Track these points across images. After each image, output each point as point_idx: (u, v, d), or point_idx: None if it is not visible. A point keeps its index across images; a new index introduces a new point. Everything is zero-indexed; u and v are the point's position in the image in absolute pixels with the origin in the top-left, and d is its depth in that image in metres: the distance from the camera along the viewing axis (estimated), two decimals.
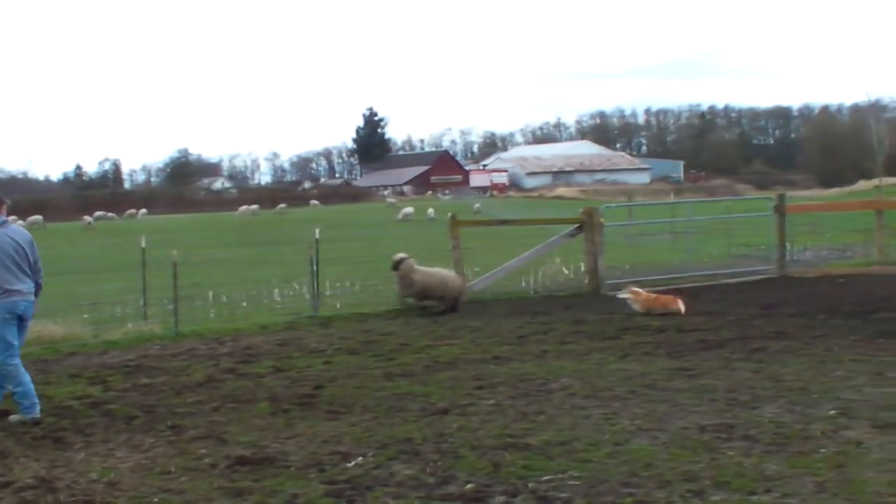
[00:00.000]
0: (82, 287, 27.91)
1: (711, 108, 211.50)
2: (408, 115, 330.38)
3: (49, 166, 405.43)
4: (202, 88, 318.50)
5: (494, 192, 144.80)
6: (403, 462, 9.85)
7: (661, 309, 20.21)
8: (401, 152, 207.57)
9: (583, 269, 26.30)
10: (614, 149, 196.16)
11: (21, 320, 12.65)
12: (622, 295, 20.89)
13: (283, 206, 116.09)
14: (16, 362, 12.51)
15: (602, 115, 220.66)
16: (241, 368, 15.82)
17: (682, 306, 20.24)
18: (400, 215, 77.56)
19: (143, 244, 22.24)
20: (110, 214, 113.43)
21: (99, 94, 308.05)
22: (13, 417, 12.41)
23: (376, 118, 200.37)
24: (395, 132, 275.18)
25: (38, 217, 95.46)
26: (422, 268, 22.33)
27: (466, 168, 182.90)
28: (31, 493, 9.21)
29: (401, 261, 22.26)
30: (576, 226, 26.09)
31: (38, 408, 12.50)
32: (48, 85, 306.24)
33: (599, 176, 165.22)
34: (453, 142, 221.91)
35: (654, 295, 20.96)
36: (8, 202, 13.05)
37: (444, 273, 22.75)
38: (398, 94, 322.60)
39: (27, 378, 12.58)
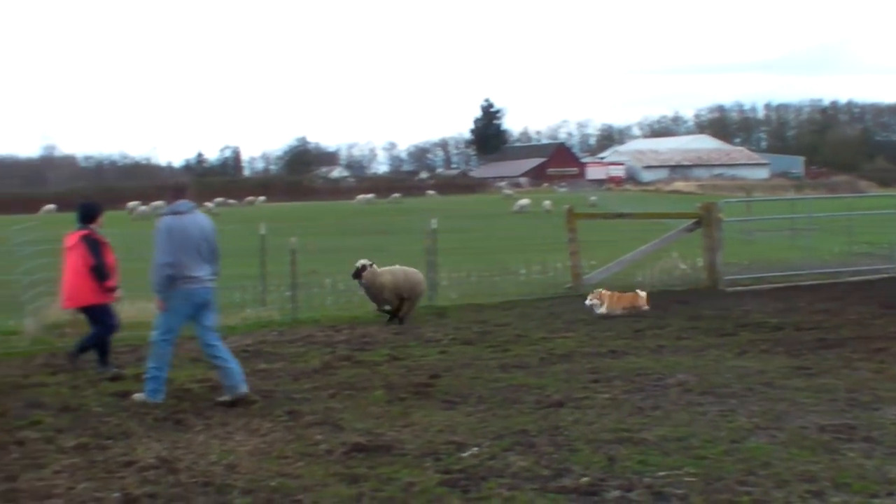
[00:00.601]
0: None
1: (834, 104, 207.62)
2: (525, 107, 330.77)
3: (172, 153, 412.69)
4: (322, 77, 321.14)
5: (611, 186, 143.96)
6: (518, 453, 9.85)
7: (626, 306, 20.29)
8: (517, 144, 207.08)
9: (700, 264, 26.01)
10: (733, 143, 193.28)
11: (200, 307, 12.88)
12: (588, 302, 20.57)
13: (396, 195, 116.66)
14: (168, 347, 12.81)
15: (721, 109, 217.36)
16: (358, 356, 15.96)
17: (643, 302, 20.51)
18: (515, 207, 77.47)
19: (263, 231, 22.50)
20: (230, 201, 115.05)
21: (222, 83, 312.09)
22: (136, 396, 12.73)
23: (493, 109, 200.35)
24: (512, 124, 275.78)
25: (159, 202, 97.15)
26: (384, 269, 20.54)
27: (583, 161, 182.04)
28: (153, 473, 9.40)
29: (363, 268, 20.26)
30: (694, 221, 25.81)
31: (161, 395, 12.73)
32: (173, 73, 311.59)
33: (717, 171, 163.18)
34: (570, 134, 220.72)
35: (616, 294, 20.81)
36: (190, 187, 13.37)
37: (407, 270, 20.75)
38: (516, 85, 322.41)
39: (166, 363, 12.86)
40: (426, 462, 9.63)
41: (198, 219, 12.97)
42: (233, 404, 12.42)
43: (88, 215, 15.61)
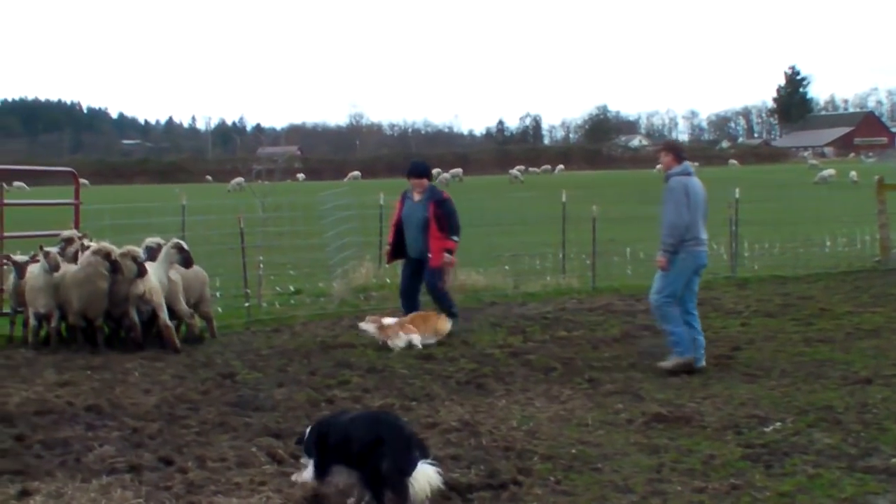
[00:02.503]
0: (502, 239, 28.63)
1: None
2: (832, 74, 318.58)
3: (473, 121, 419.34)
4: (623, 45, 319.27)
5: None
6: (823, 430, 9.59)
7: (430, 334, 15.00)
8: (822, 112, 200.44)
9: None
10: None
11: (697, 270, 13.05)
12: (363, 326, 14.96)
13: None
14: (672, 308, 12.77)
15: None
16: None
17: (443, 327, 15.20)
18: (817, 177, 74.99)
19: (564, 199, 22.58)
20: (532, 169, 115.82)
21: (524, 51, 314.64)
22: (664, 364, 12.68)
23: (799, 77, 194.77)
24: (818, 91, 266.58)
25: (458, 170, 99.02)
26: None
27: (893, 130, 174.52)
28: (456, 436, 9.61)
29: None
30: None
31: (691, 352, 12.63)
32: (474, 41, 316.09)
33: None
34: (880, 102, 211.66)
35: (404, 321, 15.17)
36: (677, 149, 13.57)
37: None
38: (823, 51, 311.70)
39: (679, 321, 12.77)
40: (727, 435, 9.50)
41: (699, 181, 13.00)
42: (672, 373, 12.48)
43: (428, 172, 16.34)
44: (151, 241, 15.69)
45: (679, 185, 12.50)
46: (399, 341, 14.41)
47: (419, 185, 15.89)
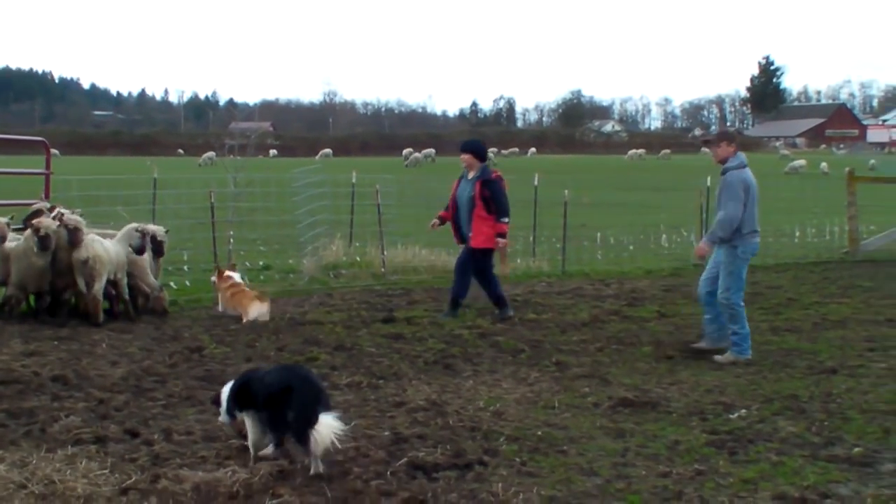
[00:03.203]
0: None
1: None
2: (805, 65, 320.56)
3: (447, 102, 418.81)
4: (597, 29, 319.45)
5: (893, 149, 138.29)
6: (788, 419, 9.64)
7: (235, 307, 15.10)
8: (795, 103, 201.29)
9: None
10: None
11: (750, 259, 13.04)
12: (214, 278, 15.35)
13: (666, 151, 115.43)
14: (742, 305, 12.73)
15: None
16: (626, 311, 15.91)
17: (263, 310, 14.88)
18: (788, 167, 75.35)
19: (536, 182, 22.60)
20: (503, 152, 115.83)
21: (498, 32, 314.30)
22: (721, 357, 12.55)
23: (773, 67, 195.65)
24: (791, 82, 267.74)
25: (431, 150, 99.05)
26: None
27: (864, 122, 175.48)
28: (423, 415, 9.62)
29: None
30: None
31: (749, 353, 12.57)
32: (448, 21, 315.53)
33: None
34: (852, 95, 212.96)
35: (238, 288, 15.24)
36: (736, 139, 13.47)
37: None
38: (797, 42, 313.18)
39: (746, 320, 12.69)
40: (693, 421, 9.54)
41: (751, 172, 12.93)
42: (699, 353, 12.70)
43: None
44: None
45: (737, 179, 12.48)
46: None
47: (467, 162, 15.46)
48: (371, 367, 11.70)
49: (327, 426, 7.71)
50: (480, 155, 15.63)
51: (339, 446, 7.89)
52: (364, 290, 18.13)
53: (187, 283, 18.20)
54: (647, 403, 10.11)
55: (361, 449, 8.40)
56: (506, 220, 15.11)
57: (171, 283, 17.63)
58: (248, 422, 8.29)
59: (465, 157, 15.48)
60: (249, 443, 8.27)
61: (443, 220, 15.82)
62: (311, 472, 7.76)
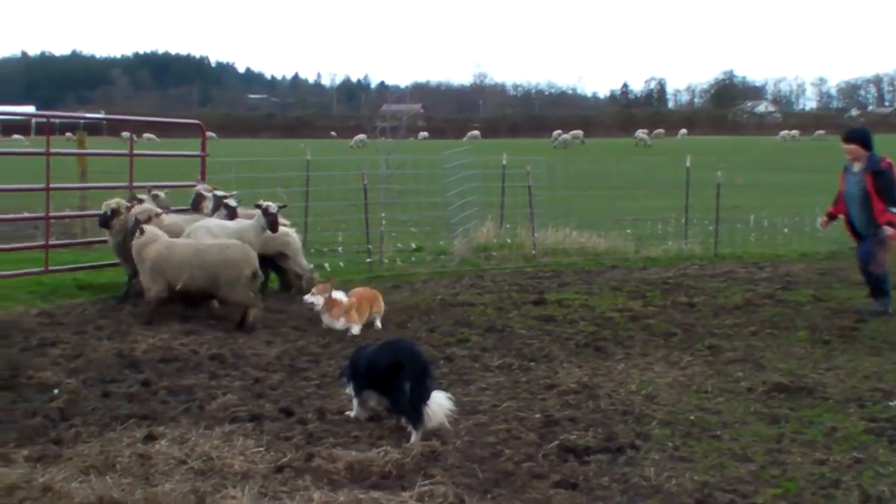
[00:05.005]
0: (624, 202, 28.48)
1: None
2: None
3: (597, 83, 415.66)
4: (751, 8, 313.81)
5: None
6: None
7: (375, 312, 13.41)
8: None
9: None
10: None
11: None
12: (308, 298, 13.16)
13: (820, 132, 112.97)
14: None
15: None
16: (780, 295, 15.63)
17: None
18: None
19: (688, 164, 22.35)
20: (659, 130, 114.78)
21: (650, 13, 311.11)
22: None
23: None
24: None
25: (578, 132, 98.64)
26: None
27: None
28: (574, 398, 9.60)
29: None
30: None
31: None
32: (598, 2, 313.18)
33: None
34: None
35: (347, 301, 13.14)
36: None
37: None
38: None
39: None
40: (850, 408, 9.33)
41: None
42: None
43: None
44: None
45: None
46: (337, 324, 12.84)
47: (852, 154, 14.28)
48: (522, 350, 11.71)
49: (438, 402, 8.11)
50: (867, 144, 14.30)
51: (448, 424, 8.23)
52: (514, 272, 18.14)
53: (341, 264, 18.45)
54: (802, 389, 9.92)
55: (513, 431, 8.43)
56: (894, 210, 13.85)
57: (325, 265, 17.91)
58: (355, 396, 8.76)
59: (851, 146, 14.30)
60: (353, 415, 8.83)
61: (832, 216, 14.97)
62: (412, 441, 8.08)
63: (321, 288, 13.10)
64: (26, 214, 19.88)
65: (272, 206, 14.46)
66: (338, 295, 12.99)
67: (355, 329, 12.75)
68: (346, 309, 12.88)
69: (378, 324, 13.14)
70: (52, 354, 11.13)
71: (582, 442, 8.14)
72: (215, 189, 16.05)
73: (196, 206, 15.61)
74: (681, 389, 9.99)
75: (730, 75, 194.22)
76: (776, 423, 8.85)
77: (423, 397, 8.12)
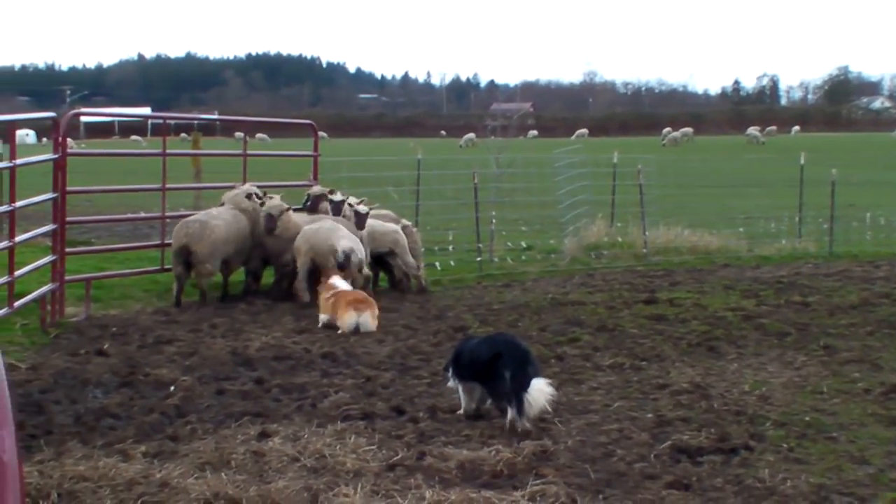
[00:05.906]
0: (736, 201, 28.17)
1: None
2: None
3: (708, 80, 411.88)
4: (865, 2, 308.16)
5: None
6: None
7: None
8: None
9: None
10: None
11: None
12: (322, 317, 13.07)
13: None
14: None
15: None
16: None
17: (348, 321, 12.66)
18: None
19: (803, 161, 22.03)
20: (771, 127, 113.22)
21: (762, 9, 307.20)
22: None
23: None
24: None
25: (689, 129, 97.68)
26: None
27: None
28: (686, 398, 9.53)
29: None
30: None
31: None
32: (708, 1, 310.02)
33: None
34: None
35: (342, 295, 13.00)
36: None
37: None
38: None
39: None
40: None
41: None
42: None
43: None
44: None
45: None
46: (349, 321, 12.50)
47: None
48: (633, 349, 11.66)
49: (539, 390, 8.25)
50: None
51: (550, 410, 8.50)
52: (625, 271, 18.06)
53: (452, 262, 18.51)
54: None
55: (625, 431, 8.41)
56: None
57: (436, 264, 17.98)
58: (460, 389, 8.92)
59: None
60: (461, 408, 8.94)
61: None
62: (519, 430, 8.29)
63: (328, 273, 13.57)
64: (143, 214, 20.28)
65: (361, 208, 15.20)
66: (338, 283, 13.27)
67: (322, 318, 12.92)
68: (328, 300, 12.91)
69: (362, 329, 12.56)
70: (168, 352, 11.37)
71: (695, 442, 8.09)
72: (348, 195, 16.04)
73: (314, 206, 15.74)
74: (795, 390, 9.86)
75: (844, 71, 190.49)
76: (894, 425, 8.70)
77: (524, 385, 8.26)
